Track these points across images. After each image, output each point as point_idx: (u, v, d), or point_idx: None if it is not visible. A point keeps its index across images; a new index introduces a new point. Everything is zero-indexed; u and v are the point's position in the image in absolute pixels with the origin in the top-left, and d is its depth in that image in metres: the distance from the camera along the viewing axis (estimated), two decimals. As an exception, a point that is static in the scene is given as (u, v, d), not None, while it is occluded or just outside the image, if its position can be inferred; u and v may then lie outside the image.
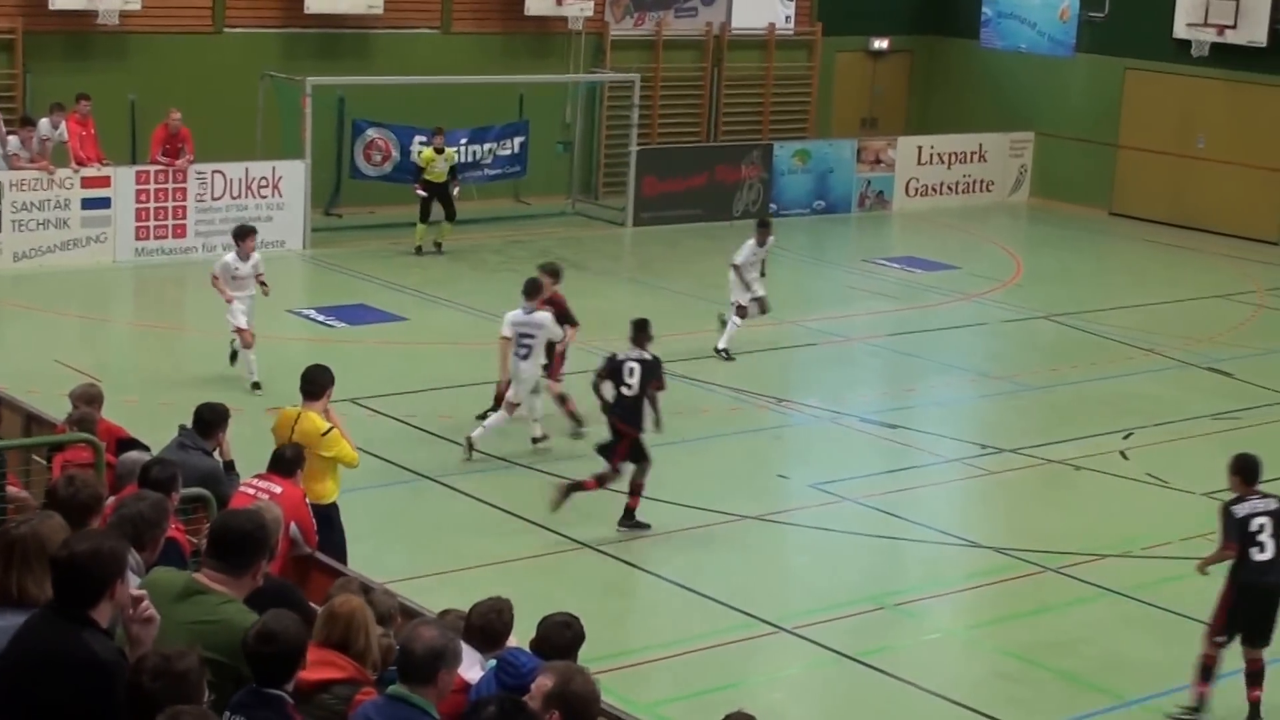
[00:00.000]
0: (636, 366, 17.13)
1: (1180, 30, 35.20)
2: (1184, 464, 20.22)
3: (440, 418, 20.31)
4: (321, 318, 25.01)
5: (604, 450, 17.33)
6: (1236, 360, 25.03)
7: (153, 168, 27.73)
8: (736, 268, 23.90)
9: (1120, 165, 36.55)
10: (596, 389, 17.46)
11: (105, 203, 27.38)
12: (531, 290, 19.28)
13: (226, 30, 31.05)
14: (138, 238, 27.70)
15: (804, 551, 17.37)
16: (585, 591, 15.64)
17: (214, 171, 28.20)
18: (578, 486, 17.23)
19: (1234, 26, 34.38)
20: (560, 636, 8.82)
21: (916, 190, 36.34)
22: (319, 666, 7.98)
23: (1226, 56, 34.76)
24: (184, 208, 28.01)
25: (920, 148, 36.62)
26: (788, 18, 37.35)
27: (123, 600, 6.99)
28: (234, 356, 21.56)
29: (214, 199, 28.21)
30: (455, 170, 29.95)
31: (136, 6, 29.46)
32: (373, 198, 31.65)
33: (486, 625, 8.97)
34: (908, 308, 27.69)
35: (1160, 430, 21.53)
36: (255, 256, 21.42)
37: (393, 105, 31.31)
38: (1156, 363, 24.99)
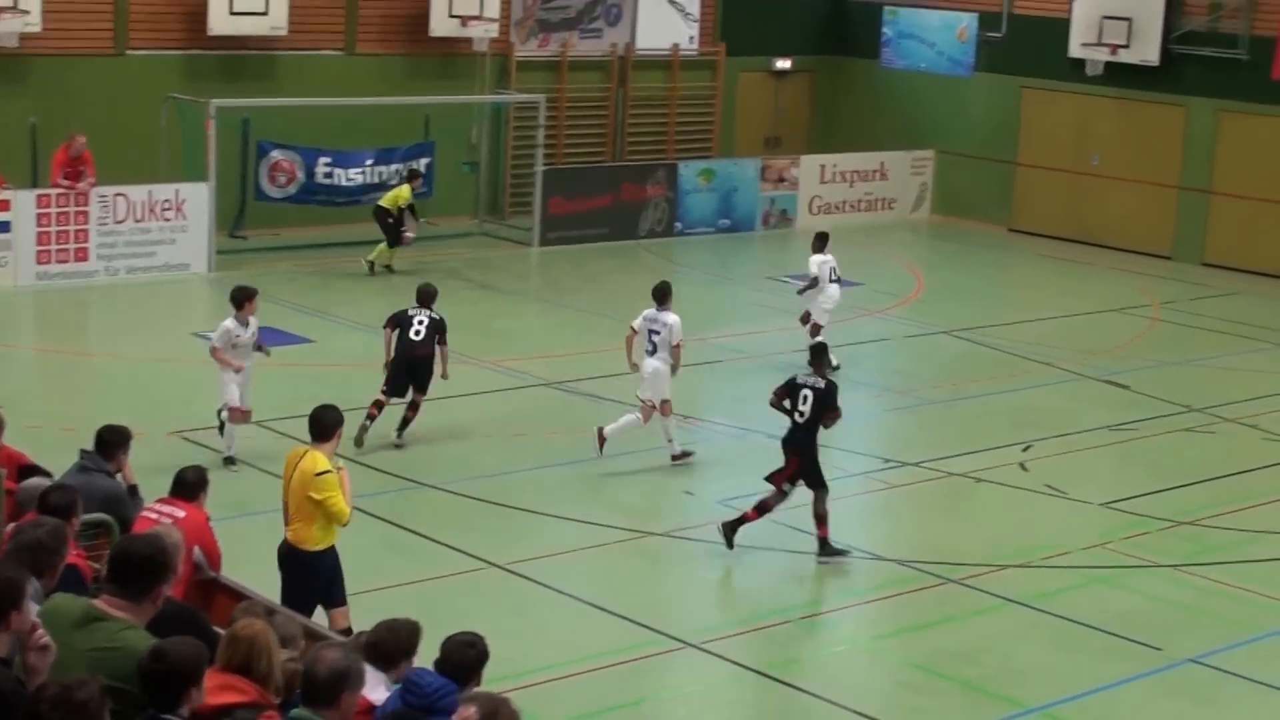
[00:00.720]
0: (810, 394, 17.50)
1: (1075, 50, 35.68)
2: (1082, 475, 20.54)
3: (346, 439, 20.28)
4: (227, 340, 24.93)
5: (771, 476, 17.62)
6: (1132, 372, 25.42)
7: (54, 191, 27.59)
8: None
9: (1018, 182, 37.01)
10: (777, 406, 17.81)
11: (5, 226, 27.18)
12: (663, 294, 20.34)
13: (129, 52, 30.95)
14: (39, 261, 27.54)
15: (711, 567, 17.51)
16: (492, 610, 15.72)
17: (116, 194, 28.08)
18: (741, 521, 17.47)
19: (1127, 46, 34.88)
20: (464, 655, 8.77)
21: (820, 208, 36.66)
22: (221, 691, 7.88)
23: (1120, 75, 35.28)
24: (86, 231, 27.86)
25: (823, 166, 36.94)
26: (691, 38, 37.61)
27: (19, 629, 6.94)
28: (222, 427, 19.59)
29: (116, 222, 28.09)
30: (414, 210, 30.36)
31: (37, 28, 29.24)
32: (278, 220, 31.62)
33: (379, 642, 8.99)
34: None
35: (1059, 442, 21.85)
36: (254, 321, 19.57)
37: (298, 127, 31.30)
38: (1055, 376, 25.34)
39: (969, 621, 16.33)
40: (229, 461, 19.19)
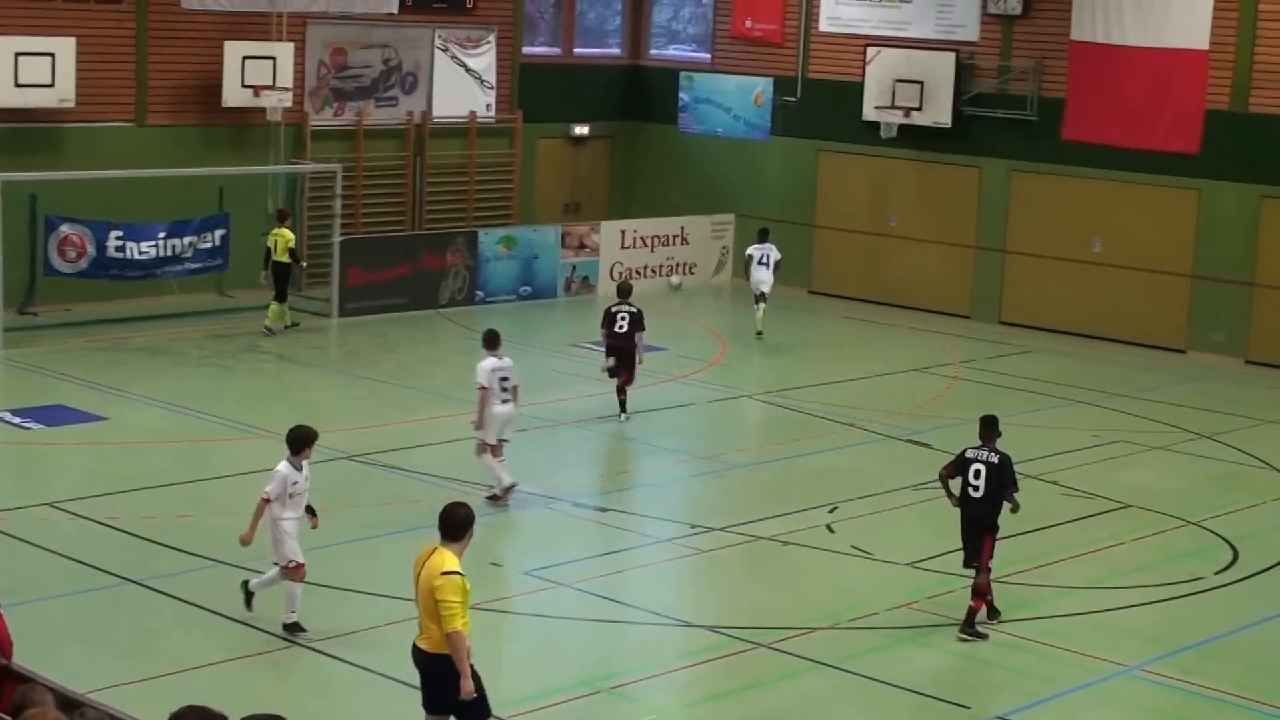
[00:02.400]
0: (983, 469, 17.24)
1: (870, 113, 36.14)
2: (888, 535, 20.61)
3: (142, 518, 19.87)
4: (17, 420, 24.27)
5: (967, 560, 17.46)
6: (935, 431, 25.62)
7: None
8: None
9: (817, 244, 37.32)
10: (944, 483, 17.68)
11: None
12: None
13: (-89, 127, 30.27)
14: None
15: (519, 639, 17.31)
16: (295, 690, 15.39)
17: (-99, 272, 27.39)
18: (972, 616, 17.31)
19: (920, 109, 35.40)
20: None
21: (621, 273, 36.65)
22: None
23: (914, 137, 35.78)
24: None
25: (624, 231, 36.99)
26: (488, 106, 37.54)
27: None
28: (249, 599, 17.09)
29: (-99, 300, 27.39)
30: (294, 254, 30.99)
31: None
32: (69, 295, 30.98)
33: None
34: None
35: (864, 503, 21.93)
36: (307, 468, 16.93)
37: (88, 200, 30.73)
38: (859, 437, 25.48)
39: (779, 685, 16.25)
40: (296, 629, 16.61)
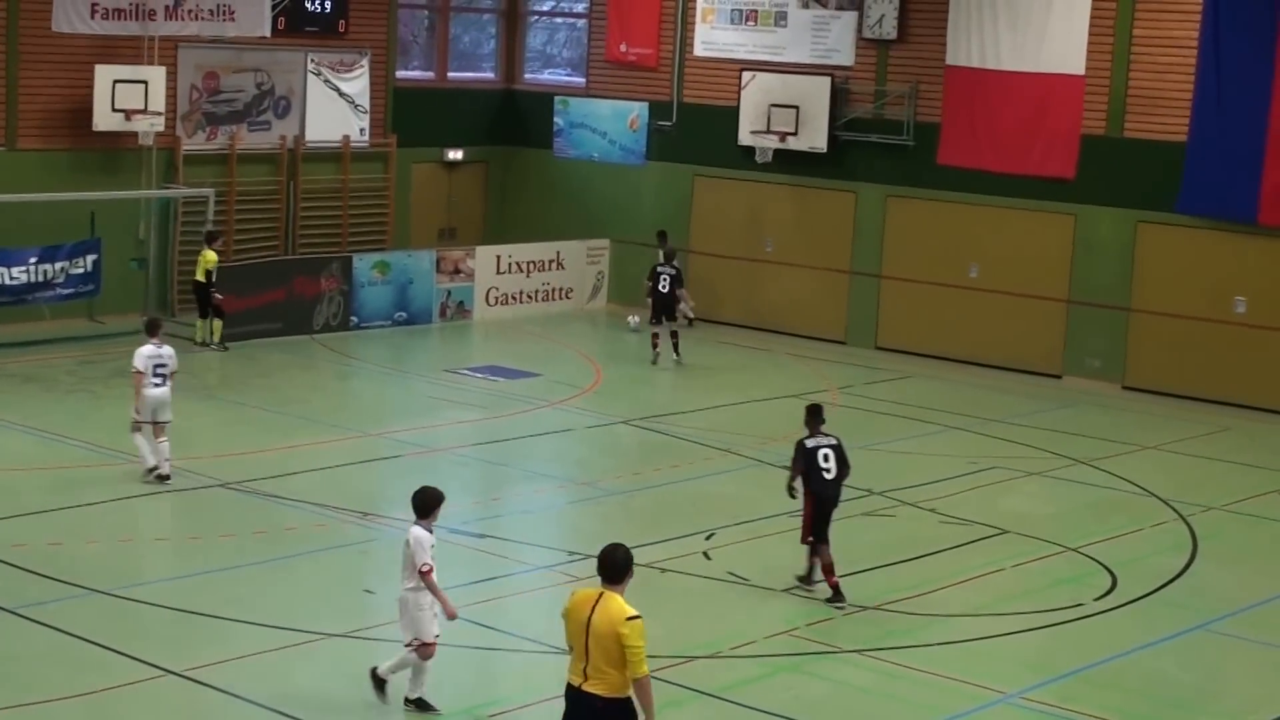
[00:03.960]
0: (830, 452, 19.27)
1: (745, 137, 36.23)
2: (764, 561, 20.56)
3: (13, 546, 19.52)
4: (-118, 447, 23.87)
5: (819, 539, 19.30)
6: (812, 457, 25.61)
7: None
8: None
9: (693, 269, 37.32)
10: (791, 487, 19.51)
11: None
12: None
13: None
14: None
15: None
16: (168, 719, 15.18)
17: None
18: (838, 590, 19.02)
19: (795, 133, 35.53)
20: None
21: (497, 299, 36.55)
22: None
23: (790, 162, 35.91)
24: None
25: (499, 256, 36.86)
26: (362, 130, 37.32)
27: None
28: (381, 685, 15.74)
29: None
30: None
31: None
32: (-65, 320, 30.51)
33: None
34: (492, 417, 27.74)
35: (740, 529, 21.89)
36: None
37: (-45, 225, 30.28)
38: (734, 462, 25.47)
39: (660, 716, 16.13)
40: (424, 707, 15.70)
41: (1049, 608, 19.38)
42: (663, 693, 16.44)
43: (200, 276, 31.47)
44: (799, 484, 19.29)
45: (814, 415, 19.56)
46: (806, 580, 19.48)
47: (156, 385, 22.45)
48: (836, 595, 19.03)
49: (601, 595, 12.28)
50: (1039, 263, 33.38)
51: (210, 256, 31.46)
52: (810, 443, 19.23)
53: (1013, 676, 17.24)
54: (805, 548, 19.38)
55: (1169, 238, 31.97)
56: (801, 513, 19.37)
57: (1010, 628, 18.75)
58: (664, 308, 32.70)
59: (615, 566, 12.41)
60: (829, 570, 19.09)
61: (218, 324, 31.64)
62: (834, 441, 19.33)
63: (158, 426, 22.52)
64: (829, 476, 19.12)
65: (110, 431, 24.97)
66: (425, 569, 15.08)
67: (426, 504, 15.32)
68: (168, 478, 22.49)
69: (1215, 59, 31.02)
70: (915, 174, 34.68)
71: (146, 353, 22.50)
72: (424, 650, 15.35)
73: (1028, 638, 18.55)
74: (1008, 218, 33.69)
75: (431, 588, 15.20)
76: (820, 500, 19.12)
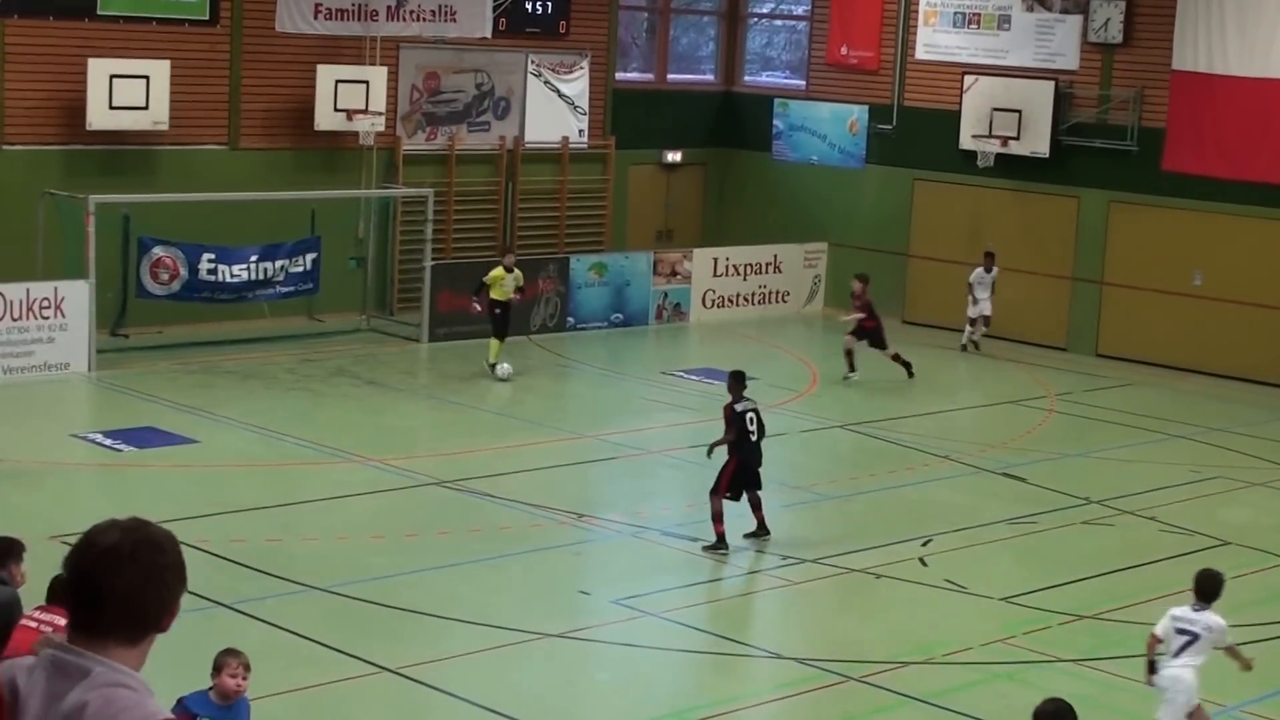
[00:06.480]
0: (754, 415, 20.63)
1: (966, 141, 35.78)
2: (982, 569, 20.26)
3: (232, 541, 19.76)
4: (108, 441, 24.26)
5: (735, 496, 20.62)
6: (1029, 465, 25.24)
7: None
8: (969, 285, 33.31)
9: (911, 274, 36.95)
10: (728, 442, 20.70)
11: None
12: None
13: (6, 148, 30.33)
14: (-85, 362, 26.89)
15: (606, 669, 17.09)
16: (384, 717, 15.21)
17: (-7, 293, 27.44)
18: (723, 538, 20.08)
19: (1017, 138, 35.01)
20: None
21: (713, 301, 36.45)
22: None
23: (1011, 167, 35.39)
24: (-36, 331, 27.24)
25: (716, 259, 36.76)
26: (581, 131, 37.42)
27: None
28: None
29: (-6, 321, 27.44)
30: (521, 290, 30.41)
31: (-88, 125, 28.69)
32: (160, 317, 30.99)
33: None
34: (707, 420, 27.55)
35: (957, 536, 21.57)
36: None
37: (180, 223, 30.75)
38: (952, 469, 25.12)
39: (870, 719, 15.96)
40: None
41: (1271, 620, 18.83)
42: (873, 698, 16.27)
43: (497, 295, 29.84)
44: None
45: (738, 380, 20.78)
46: (756, 534, 20.65)
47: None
48: (720, 543, 20.21)
49: None
50: (1266, 270, 32.53)
51: (496, 273, 29.90)
52: (739, 407, 20.49)
53: (1234, 689, 16.76)
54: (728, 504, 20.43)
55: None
56: (721, 470, 20.43)
57: (1231, 640, 18.23)
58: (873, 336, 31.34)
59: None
60: (718, 518, 20.22)
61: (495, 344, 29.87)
62: (755, 405, 20.74)
63: None
64: (754, 439, 20.47)
65: (328, 430, 25.27)
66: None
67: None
68: None
69: None
70: (1139, 180, 33.97)
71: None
72: None
73: (1248, 650, 17.99)
74: (1234, 225, 32.88)
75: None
76: (743, 460, 20.37)
